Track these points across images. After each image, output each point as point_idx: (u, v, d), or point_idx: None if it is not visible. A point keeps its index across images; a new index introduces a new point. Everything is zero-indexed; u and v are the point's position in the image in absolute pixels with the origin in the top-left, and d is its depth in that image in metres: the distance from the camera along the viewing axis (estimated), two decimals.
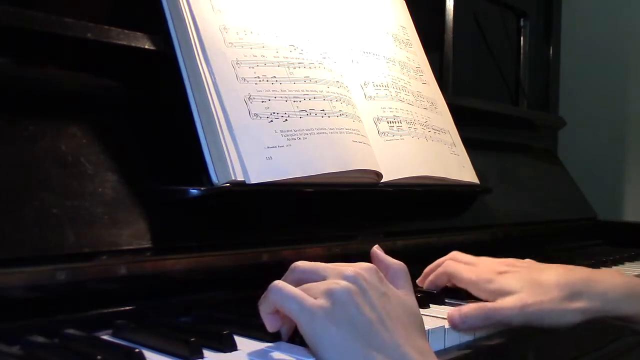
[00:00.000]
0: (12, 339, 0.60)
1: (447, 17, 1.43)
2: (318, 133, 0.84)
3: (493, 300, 0.78)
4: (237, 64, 0.82)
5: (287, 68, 0.86)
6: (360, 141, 0.90)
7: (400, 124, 1.00)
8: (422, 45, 1.17)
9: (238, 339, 0.61)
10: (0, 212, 0.62)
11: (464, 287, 0.83)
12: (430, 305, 0.81)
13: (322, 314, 0.56)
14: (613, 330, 1.01)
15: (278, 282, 0.60)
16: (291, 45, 0.89)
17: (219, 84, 0.79)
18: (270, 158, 0.78)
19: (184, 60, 0.79)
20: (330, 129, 0.86)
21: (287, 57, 0.87)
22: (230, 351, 0.59)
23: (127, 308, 0.69)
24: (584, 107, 1.90)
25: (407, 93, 1.06)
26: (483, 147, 1.34)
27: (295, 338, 0.62)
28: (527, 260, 0.87)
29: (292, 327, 0.62)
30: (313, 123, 0.85)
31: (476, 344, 0.75)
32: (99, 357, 0.53)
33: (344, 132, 0.88)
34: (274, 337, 0.63)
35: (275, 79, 0.84)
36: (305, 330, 0.57)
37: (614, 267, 1.20)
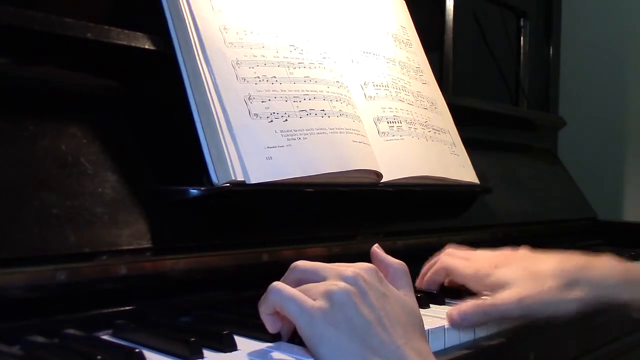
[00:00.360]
0: (12, 339, 0.60)
1: (447, 17, 1.43)
2: (318, 133, 0.84)
3: (492, 294, 0.79)
4: (237, 64, 0.82)
5: (287, 68, 0.86)
6: (360, 141, 0.90)
7: (400, 124, 1.00)
8: (422, 45, 1.17)
9: (238, 339, 0.61)
10: (0, 212, 0.62)
11: (462, 282, 0.84)
12: (430, 305, 0.81)
13: (321, 315, 0.56)
14: (613, 329, 1.02)
15: (277, 283, 0.60)
16: (291, 45, 0.89)
17: (219, 84, 0.79)
18: (270, 158, 0.78)
19: (184, 60, 0.79)
20: (330, 129, 0.86)
21: (287, 57, 0.87)
22: (230, 351, 0.59)
23: (127, 308, 0.69)
24: (584, 107, 1.90)
25: (407, 93, 1.06)
26: (483, 147, 1.34)
27: (295, 338, 0.62)
28: (522, 250, 0.87)
29: (292, 327, 0.62)
30: (313, 123, 0.85)
31: (476, 344, 0.75)
32: (99, 357, 0.53)
33: (344, 132, 0.88)
34: (273, 337, 0.63)
35: (275, 79, 0.84)
36: (304, 331, 0.57)
37: None
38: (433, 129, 1.08)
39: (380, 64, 1.04)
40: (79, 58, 0.76)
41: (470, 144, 1.15)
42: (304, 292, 0.59)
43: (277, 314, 0.61)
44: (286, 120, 0.82)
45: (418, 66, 1.13)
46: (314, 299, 0.58)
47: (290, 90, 0.85)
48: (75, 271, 0.65)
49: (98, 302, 0.67)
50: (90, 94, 0.78)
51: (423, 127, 1.05)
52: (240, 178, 0.75)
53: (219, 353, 0.59)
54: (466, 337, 0.74)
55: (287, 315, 0.59)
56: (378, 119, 0.98)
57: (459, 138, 1.13)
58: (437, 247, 0.96)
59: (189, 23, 0.80)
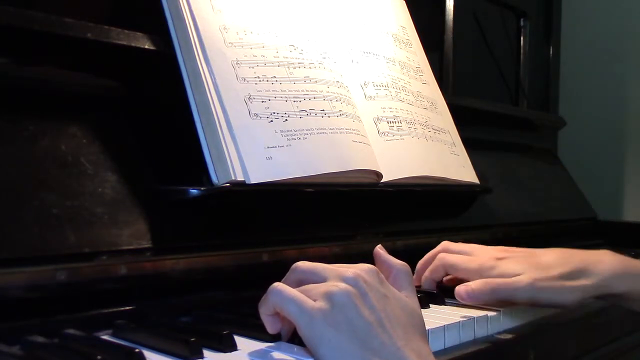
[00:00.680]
0: (12, 339, 0.60)
1: (447, 17, 1.43)
2: (318, 133, 0.84)
3: None
4: (237, 64, 0.82)
5: (287, 68, 0.86)
6: (360, 141, 0.90)
7: (400, 124, 1.00)
8: (422, 45, 1.17)
9: (238, 339, 0.61)
10: (0, 212, 0.62)
11: (466, 277, 0.84)
12: (430, 305, 0.81)
13: (321, 316, 0.56)
14: (613, 329, 1.02)
15: (278, 284, 0.60)
16: (291, 45, 0.89)
17: (219, 84, 0.79)
18: (270, 158, 0.78)
19: (184, 60, 0.79)
20: (330, 129, 0.86)
21: (287, 57, 0.87)
22: (230, 351, 0.59)
23: (127, 308, 0.69)
24: (584, 107, 1.90)
25: (407, 93, 1.06)
26: (483, 147, 1.34)
27: (295, 339, 0.62)
28: (521, 248, 0.89)
29: (292, 328, 0.62)
30: (313, 123, 0.85)
31: (476, 344, 0.75)
32: (99, 357, 0.53)
33: (344, 132, 0.88)
34: (274, 337, 0.63)
35: (275, 79, 0.84)
36: (304, 332, 0.57)
37: None
38: (433, 129, 1.08)
39: (380, 64, 1.04)
40: (79, 58, 0.76)
41: (470, 144, 1.15)
42: (305, 292, 0.59)
43: (277, 314, 0.61)
44: (286, 120, 0.82)
45: (418, 66, 1.13)
46: (315, 300, 0.58)
47: (290, 90, 0.85)
48: (75, 271, 0.65)
49: (98, 302, 0.67)
50: (90, 94, 0.77)
51: (423, 127, 1.05)
52: (240, 178, 0.75)
53: (219, 353, 0.59)
54: (466, 337, 0.74)
55: (287, 316, 0.59)
56: (378, 119, 0.98)
57: (459, 138, 1.13)
58: None
59: (189, 23, 0.80)
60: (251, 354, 0.60)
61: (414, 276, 0.90)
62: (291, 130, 0.82)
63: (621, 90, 1.88)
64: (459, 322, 0.74)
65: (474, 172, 1.12)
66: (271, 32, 0.88)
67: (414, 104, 1.06)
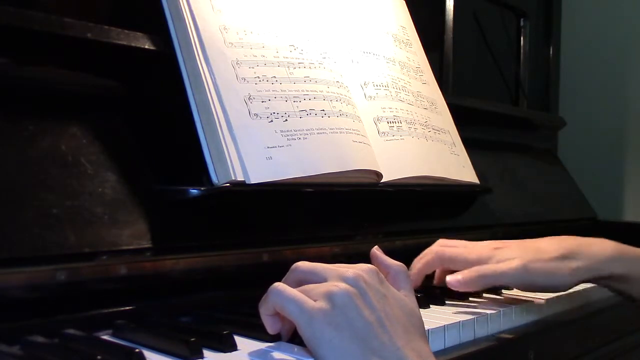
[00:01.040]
0: (12, 339, 0.60)
1: (447, 17, 1.43)
2: (318, 133, 0.84)
3: None
4: (237, 64, 0.82)
5: (287, 68, 0.86)
6: (360, 141, 0.90)
7: (400, 124, 1.00)
8: (422, 45, 1.17)
9: (238, 339, 0.61)
10: (0, 212, 0.62)
11: (465, 268, 0.84)
12: (430, 305, 0.81)
13: (322, 316, 0.56)
14: (613, 329, 1.01)
15: (278, 285, 0.60)
16: (291, 45, 0.89)
17: (219, 84, 0.79)
18: (270, 158, 0.78)
19: (184, 61, 0.79)
20: (330, 129, 0.86)
21: (287, 57, 0.87)
22: (230, 351, 0.60)
23: (127, 308, 0.69)
24: (584, 107, 1.90)
25: (407, 93, 1.06)
26: (483, 147, 1.34)
27: (295, 338, 0.62)
28: (517, 240, 0.90)
29: (292, 327, 0.62)
30: (313, 123, 0.85)
31: (476, 343, 0.75)
32: (99, 357, 0.53)
33: (344, 132, 0.88)
34: (274, 337, 0.63)
35: (275, 79, 0.84)
36: (304, 332, 0.57)
37: None
38: (433, 129, 1.08)
39: (380, 64, 1.04)
40: (79, 58, 0.76)
41: (470, 144, 1.15)
42: (305, 292, 0.59)
43: (277, 314, 0.61)
44: (286, 120, 0.82)
45: (418, 66, 1.13)
46: (315, 300, 0.58)
47: (290, 90, 0.85)
48: (75, 271, 0.65)
49: (98, 302, 0.67)
50: (90, 94, 0.77)
51: (423, 127, 1.05)
52: (240, 178, 0.75)
53: (219, 353, 0.59)
54: (466, 337, 0.74)
55: (287, 316, 0.59)
56: (378, 119, 0.98)
57: (459, 138, 1.13)
58: None
59: (189, 23, 0.80)
60: (251, 354, 0.60)
61: (410, 272, 0.90)
62: (291, 130, 0.82)
63: (621, 90, 1.88)
64: (459, 322, 0.74)
65: (474, 172, 1.12)
66: (271, 32, 0.88)
67: (414, 104, 1.06)
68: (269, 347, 0.62)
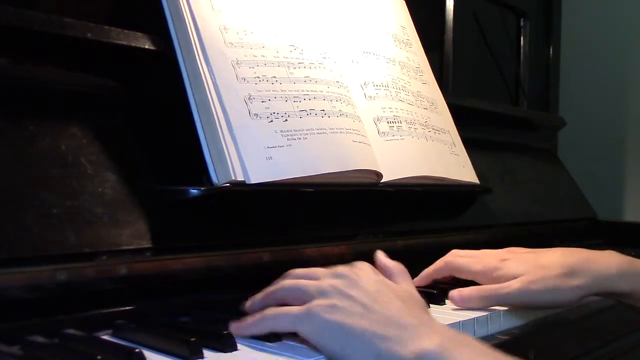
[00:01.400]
0: (12, 339, 0.60)
1: (447, 17, 1.43)
2: (318, 133, 0.84)
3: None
4: (237, 64, 0.82)
5: (287, 68, 0.86)
6: (360, 141, 0.90)
7: (400, 124, 1.00)
8: (422, 45, 1.17)
9: (238, 339, 0.61)
10: (0, 212, 0.62)
11: (471, 278, 0.85)
12: (430, 305, 0.81)
13: (317, 309, 0.59)
14: (613, 329, 1.01)
15: (270, 311, 0.63)
16: (291, 45, 0.89)
17: (219, 84, 0.78)
18: (270, 158, 0.78)
19: (184, 60, 0.79)
20: (330, 129, 0.86)
21: (287, 57, 0.87)
22: (230, 351, 0.60)
23: (127, 308, 0.69)
24: (584, 107, 1.90)
25: (407, 93, 1.06)
26: (483, 147, 1.34)
27: (296, 337, 0.63)
28: (526, 248, 0.89)
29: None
30: (313, 123, 0.85)
31: None
32: (99, 357, 0.53)
33: (344, 132, 0.88)
34: (274, 337, 0.63)
35: (275, 79, 0.84)
36: (305, 331, 0.59)
37: None
38: (433, 129, 1.08)
39: (380, 64, 1.04)
40: (79, 58, 0.76)
41: (470, 144, 1.15)
42: (300, 292, 0.62)
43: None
44: (286, 120, 0.82)
45: (418, 66, 1.13)
46: (310, 301, 0.60)
47: (290, 90, 0.85)
48: (75, 271, 0.65)
49: (98, 302, 0.67)
50: (90, 94, 0.77)
51: (423, 127, 1.05)
52: (240, 178, 0.75)
53: (219, 353, 0.59)
54: None
55: (287, 330, 0.61)
56: (378, 119, 0.98)
57: (459, 138, 1.13)
58: (437, 247, 0.96)
59: (189, 23, 0.80)
60: (251, 354, 0.60)
61: (417, 279, 0.90)
62: (291, 130, 0.82)
63: (621, 90, 1.88)
64: (459, 322, 0.74)
65: (474, 172, 1.12)
66: (271, 32, 0.88)
67: (414, 104, 1.06)
68: (269, 347, 0.62)
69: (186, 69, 0.79)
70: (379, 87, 1.01)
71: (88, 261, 0.66)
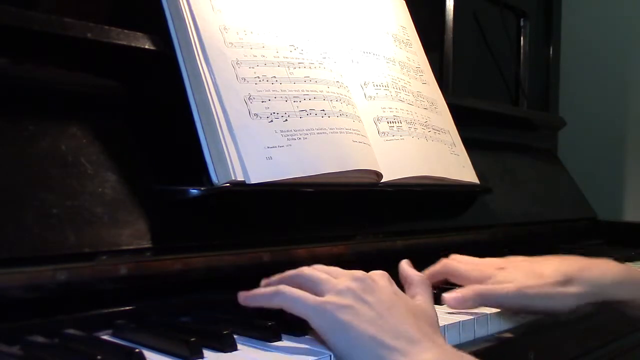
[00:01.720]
0: (12, 339, 0.60)
1: (447, 17, 1.43)
2: (318, 133, 0.84)
3: None
4: (237, 64, 0.82)
5: (287, 68, 0.86)
6: (360, 141, 0.90)
7: (400, 124, 1.00)
8: (422, 45, 1.17)
9: (238, 339, 0.61)
10: (0, 212, 0.62)
11: (467, 285, 0.84)
12: None
13: (332, 307, 0.59)
14: (613, 329, 1.01)
15: (284, 287, 0.63)
16: (291, 45, 0.89)
17: (219, 84, 0.79)
18: (270, 158, 0.78)
19: (184, 60, 0.79)
20: (330, 129, 0.86)
21: (287, 57, 0.87)
22: (230, 351, 0.59)
23: (127, 308, 0.69)
24: (584, 107, 1.90)
25: (407, 93, 1.06)
26: (483, 147, 1.34)
27: (295, 330, 0.64)
28: (524, 257, 0.89)
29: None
30: (313, 123, 0.85)
31: (476, 343, 0.75)
32: (99, 357, 0.53)
33: (344, 132, 0.88)
34: (274, 337, 0.63)
35: (275, 79, 0.84)
36: (315, 323, 0.60)
37: None
38: (433, 129, 1.08)
39: (380, 64, 1.04)
40: (79, 58, 0.76)
41: (470, 144, 1.15)
42: (316, 288, 0.63)
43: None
44: (286, 120, 0.82)
45: (418, 66, 1.13)
46: (324, 296, 0.61)
47: (290, 90, 0.85)
48: (75, 271, 0.65)
49: (98, 302, 0.67)
50: (90, 94, 0.77)
51: (423, 127, 1.05)
52: (240, 178, 0.75)
53: (219, 353, 0.59)
54: (466, 337, 0.74)
55: (297, 313, 0.61)
56: (378, 119, 0.98)
57: (459, 138, 1.13)
58: (437, 247, 0.96)
59: (189, 23, 0.80)
60: (251, 354, 0.60)
61: None
62: (291, 130, 0.82)
63: (621, 90, 1.88)
64: (459, 322, 0.74)
65: (474, 172, 1.12)
66: (271, 32, 0.88)
67: (414, 104, 1.06)
68: (269, 346, 0.62)
69: (186, 69, 0.79)
70: (379, 87, 1.01)
71: (88, 261, 0.66)
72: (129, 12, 0.87)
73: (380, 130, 0.97)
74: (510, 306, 0.79)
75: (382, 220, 1.00)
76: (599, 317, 0.94)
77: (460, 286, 0.86)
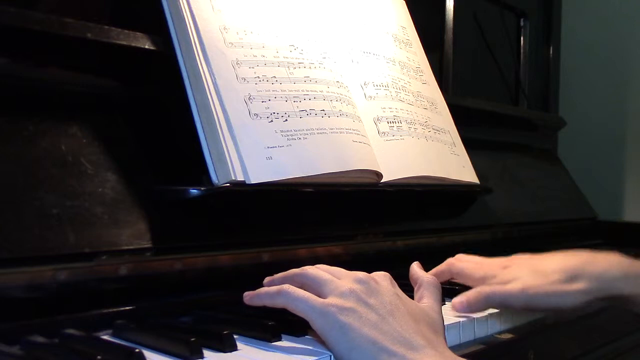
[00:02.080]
0: (12, 339, 0.60)
1: (447, 17, 1.43)
2: (318, 133, 0.84)
3: None
4: (237, 64, 0.82)
5: (287, 68, 0.86)
6: (360, 141, 0.90)
7: (400, 124, 1.00)
8: (422, 45, 1.17)
9: (238, 339, 0.61)
10: (0, 212, 0.62)
11: (472, 284, 0.84)
12: None
13: (334, 309, 0.59)
14: (613, 329, 1.02)
15: (287, 287, 0.63)
16: (291, 45, 0.89)
17: (219, 84, 0.78)
18: (270, 158, 0.78)
19: (184, 60, 0.79)
20: (330, 128, 0.86)
21: (287, 57, 0.87)
22: (230, 351, 0.60)
23: (127, 308, 0.69)
24: (584, 107, 1.90)
25: (407, 93, 1.06)
26: (483, 147, 1.34)
27: (296, 332, 0.63)
28: (527, 254, 0.88)
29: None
30: (313, 123, 0.85)
31: (476, 343, 0.75)
32: (99, 357, 0.53)
33: (344, 132, 0.88)
34: (274, 337, 0.63)
35: (275, 79, 0.84)
36: (317, 324, 0.59)
37: None
38: (433, 129, 1.08)
39: (380, 64, 1.04)
40: (79, 58, 0.76)
41: (470, 144, 1.15)
42: (318, 289, 0.63)
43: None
44: (286, 120, 0.82)
45: (418, 66, 1.13)
46: (326, 297, 0.61)
47: (290, 90, 0.85)
48: (75, 271, 0.65)
49: (98, 302, 0.67)
50: (90, 94, 0.77)
51: (423, 127, 1.05)
52: (240, 178, 0.75)
53: (219, 353, 0.59)
54: (466, 337, 0.74)
55: (299, 313, 0.61)
56: (378, 119, 0.98)
57: (459, 138, 1.13)
58: (437, 247, 0.96)
59: (189, 23, 0.80)
60: (251, 354, 0.60)
61: None
62: (291, 130, 0.82)
63: (621, 90, 1.88)
64: (459, 322, 0.74)
65: (474, 172, 1.12)
66: (271, 32, 0.88)
67: (414, 104, 1.06)
68: (269, 346, 0.62)
69: (186, 69, 0.79)
70: (379, 87, 1.01)
71: (88, 261, 0.66)
72: (129, 12, 0.87)
73: (380, 130, 0.97)
74: (516, 306, 0.79)
75: (382, 220, 1.00)
76: (599, 317, 0.94)
77: (465, 286, 0.86)
